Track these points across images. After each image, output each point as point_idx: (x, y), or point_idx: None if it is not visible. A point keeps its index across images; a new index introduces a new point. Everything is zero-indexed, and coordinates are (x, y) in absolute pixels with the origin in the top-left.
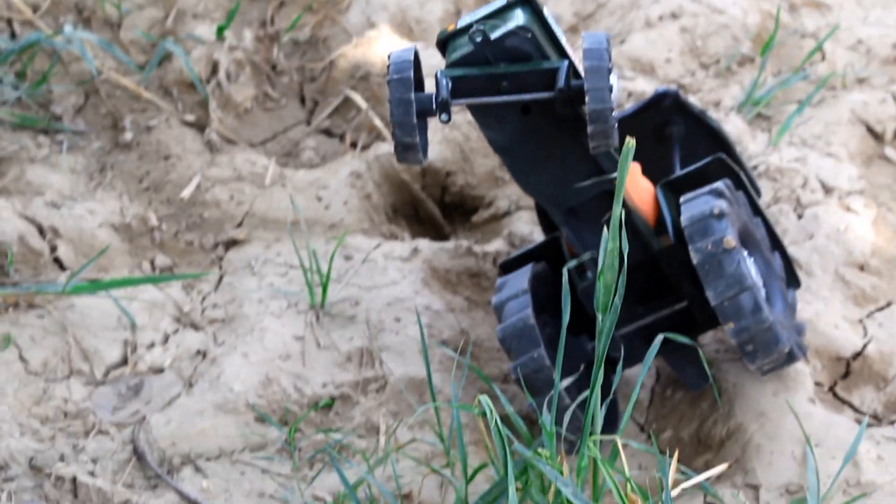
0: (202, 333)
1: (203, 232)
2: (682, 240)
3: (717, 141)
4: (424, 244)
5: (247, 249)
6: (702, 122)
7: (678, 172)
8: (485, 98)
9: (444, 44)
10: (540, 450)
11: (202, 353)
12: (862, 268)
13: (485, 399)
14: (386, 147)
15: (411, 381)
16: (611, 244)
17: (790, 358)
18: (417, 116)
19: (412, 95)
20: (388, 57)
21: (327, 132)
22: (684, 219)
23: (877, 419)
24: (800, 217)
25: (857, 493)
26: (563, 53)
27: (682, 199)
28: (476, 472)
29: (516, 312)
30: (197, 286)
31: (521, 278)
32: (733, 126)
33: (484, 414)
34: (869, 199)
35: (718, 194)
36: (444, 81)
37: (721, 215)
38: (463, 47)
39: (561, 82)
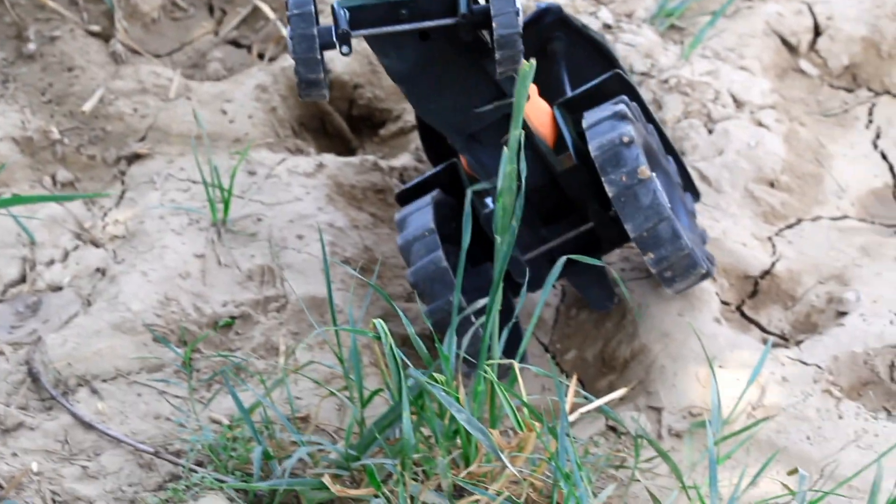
0: (102, 250)
1: (106, 146)
2: (584, 160)
3: (601, 54)
4: (330, 159)
5: (150, 164)
6: (585, 36)
7: (575, 91)
8: (385, 28)
9: None
10: (436, 374)
11: (101, 271)
12: (772, 184)
13: (379, 323)
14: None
15: (313, 301)
16: (509, 166)
17: (705, 277)
18: (319, 50)
19: (314, 30)
20: None
21: (235, 43)
22: (593, 148)
23: (784, 339)
24: (710, 132)
25: (760, 416)
26: None
27: (585, 123)
28: (372, 396)
29: (426, 254)
30: (99, 202)
31: (424, 215)
32: (645, 38)
33: (379, 337)
34: (781, 113)
35: (622, 117)
36: (341, 13)
37: (630, 142)
38: None
39: (463, 7)
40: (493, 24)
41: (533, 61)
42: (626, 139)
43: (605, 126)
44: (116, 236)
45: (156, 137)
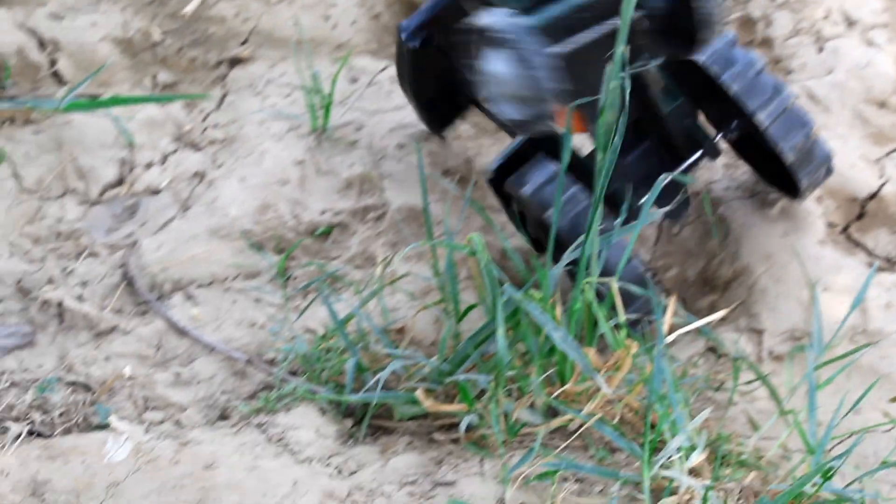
0: (201, 154)
1: (207, 49)
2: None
3: None
4: None
5: (251, 68)
6: None
7: None
8: (580, 37)
9: None
10: (532, 291)
11: (200, 175)
12: (882, 105)
13: (477, 237)
14: None
15: (411, 211)
16: (613, 82)
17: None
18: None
19: (557, 58)
20: (490, 24)
21: None
22: (764, 117)
23: (890, 263)
24: (820, 50)
25: (863, 342)
26: None
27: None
28: (467, 311)
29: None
30: (199, 105)
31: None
32: None
33: (474, 253)
34: (893, 32)
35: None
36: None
37: (790, 95)
38: None
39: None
40: (695, 5)
41: None
42: (792, 97)
43: (771, 94)
44: (216, 140)
45: (258, 41)
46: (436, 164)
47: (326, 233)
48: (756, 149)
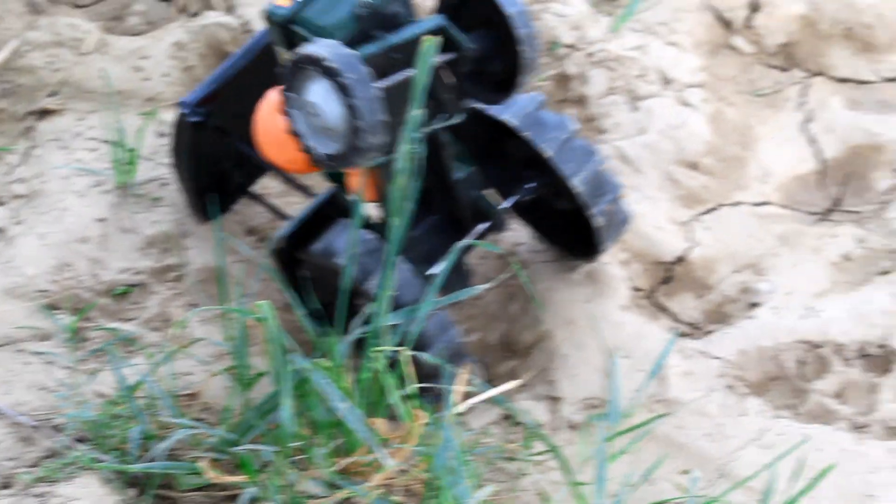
0: (3, 209)
1: (16, 100)
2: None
3: None
4: None
5: (59, 121)
6: None
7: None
8: (392, 78)
9: (287, 22)
10: (322, 360)
11: (1, 231)
12: (694, 167)
13: (266, 304)
14: (214, 16)
15: (211, 273)
16: (406, 147)
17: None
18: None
19: (374, 91)
20: (318, 53)
21: None
22: (577, 182)
23: (694, 328)
24: (634, 110)
25: (661, 410)
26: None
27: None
28: (256, 378)
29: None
30: (5, 158)
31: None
32: (575, 9)
33: (263, 320)
34: (709, 92)
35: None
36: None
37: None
38: (340, 24)
39: (464, 41)
40: (522, 48)
41: (436, 38)
42: (604, 167)
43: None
44: (19, 195)
45: (68, 93)
46: (241, 222)
47: (125, 293)
48: (544, 211)
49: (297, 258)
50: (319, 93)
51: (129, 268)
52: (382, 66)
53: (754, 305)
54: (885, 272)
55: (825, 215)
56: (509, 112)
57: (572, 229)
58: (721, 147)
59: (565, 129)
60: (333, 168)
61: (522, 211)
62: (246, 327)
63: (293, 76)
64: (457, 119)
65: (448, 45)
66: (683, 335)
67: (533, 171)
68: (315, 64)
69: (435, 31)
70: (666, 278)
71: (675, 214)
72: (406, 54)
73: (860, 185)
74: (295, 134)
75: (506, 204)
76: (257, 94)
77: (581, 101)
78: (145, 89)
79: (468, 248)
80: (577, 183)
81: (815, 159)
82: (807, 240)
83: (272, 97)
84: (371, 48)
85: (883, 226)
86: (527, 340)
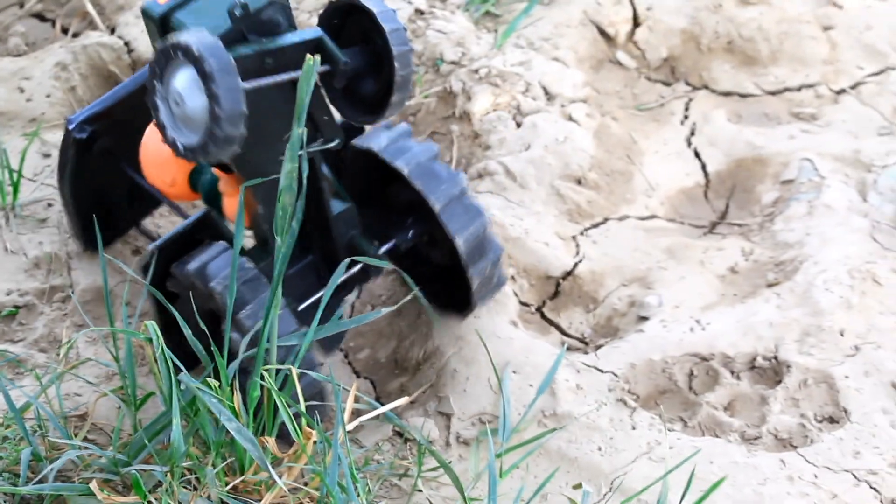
0: None
1: None
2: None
3: None
4: None
5: None
6: None
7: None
8: (261, 80)
9: (163, 20)
10: (209, 379)
11: None
12: (579, 181)
13: (151, 324)
14: (96, 36)
15: (98, 293)
16: (290, 164)
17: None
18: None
19: (239, 83)
20: (185, 40)
21: (39, 16)
22: (462, 242)
23: (584, 343)
24: (518, 126)
25: (551, 425)
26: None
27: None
28: (145, 399)
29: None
30: None
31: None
32: (458, 26)
33: (150, 340)
34: (594, 107)
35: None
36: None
37: (487, 221)
38: (215, 25)
39: (340, 55)
40: (396, 66)
41: (318, 56)
42: (487, 230)
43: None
44: None
45: None
46: (126, 242)
47: (12, 314)
48: (417, 259)
49: (168, 272)
50: (184, 81)
51: (15, 289)
52: (254, 69)
53: (643, 319)
54: (772, 284)
55: (711, 228)
56: (393, 153)
57: (443, 282)
58: (606, 161)
59: (457, 185)
60: (193, 159)
61: (395, 256)
62: (133, 347)
63: (160, 65)
64: (333, 144)
65: (324, 59)
66: (573, 349)
67: (414, 219)
68: (181, 51)
69: (312, 42)
70: (554, 293)
71: (562, 229)
72: (279, 61)
73: (745, 198)
74: (159, 127)
75: (384, 248)
76: (149, 119)
77: (465, 117)
78: (28, 110)
79: (341, 289)
80: (461, 242)
81: (700, 173)
82: (694, 253)
83: None
84: (243, 49)
85: (768, 238)
86: (416, 357)
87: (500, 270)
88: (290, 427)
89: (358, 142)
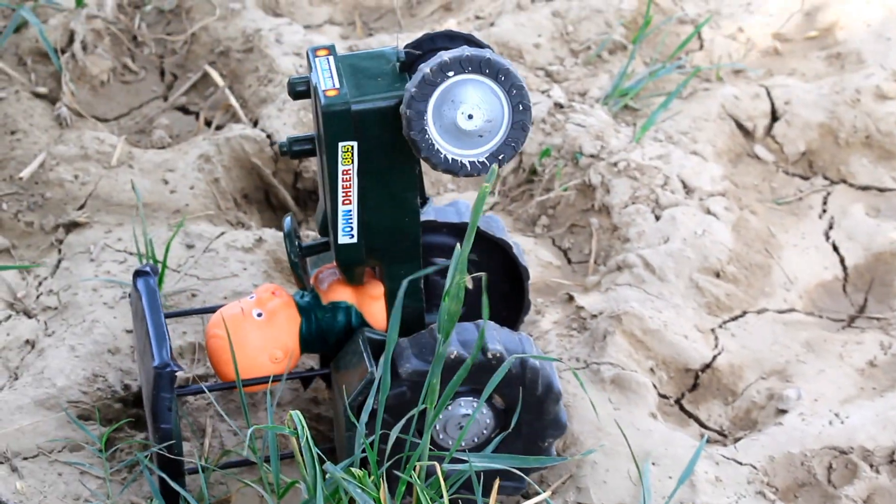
0: (34, 321)
1: (44, 213)
2: None
3: None
4: (270, 233)
5: (87, 233)
6: None
7: None
8: None
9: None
10: (353, 469)
11: (31, 343)
12: (718, 275)
13: (297, 415)
14: (239, 128)
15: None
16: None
17: None
18: None
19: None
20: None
21: (183, 109)
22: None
23: (722, 435)
24: (657, 218)
25: None
26: None
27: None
28: (288, 488)
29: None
30: (34, 270)
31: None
32: (596, 119)
33: (295, 431)
34: (732, 200)
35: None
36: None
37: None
38: None
39: None
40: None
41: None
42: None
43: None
44: (48, 307)
45: (95, 206)
46: None
47: None
48: None
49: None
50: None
51: None
52: None
53: (782, 412)
54: None
55: (850, 322)
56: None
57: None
58: (745, 255)
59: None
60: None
61: None
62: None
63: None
64: None
65: None
66: (712, 442)
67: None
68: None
69: None
70: (693, 385)
71: (701, 322)
72: None
73: (883, 292)
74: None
75: None
76: None
77: (604, 210)
78: (172, 201)
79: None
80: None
81: (839, 266)
82: (832, 346)
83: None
84: None
85: None
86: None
87: None
88: None
89: None
